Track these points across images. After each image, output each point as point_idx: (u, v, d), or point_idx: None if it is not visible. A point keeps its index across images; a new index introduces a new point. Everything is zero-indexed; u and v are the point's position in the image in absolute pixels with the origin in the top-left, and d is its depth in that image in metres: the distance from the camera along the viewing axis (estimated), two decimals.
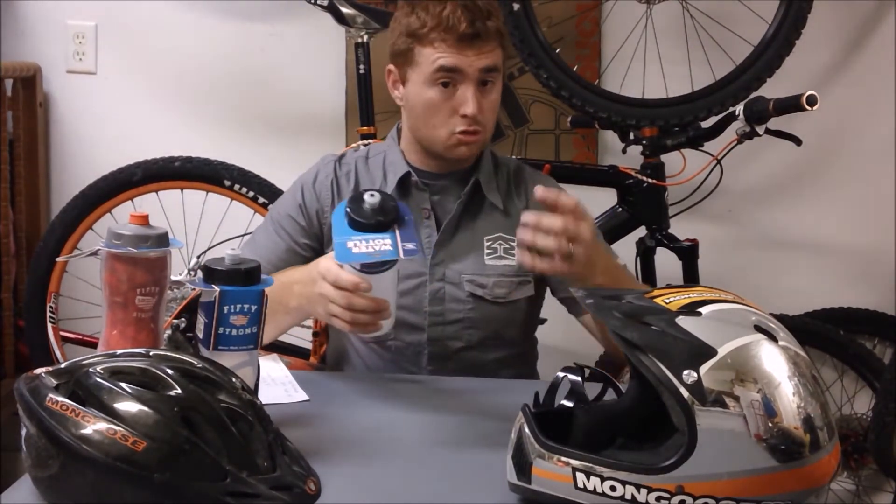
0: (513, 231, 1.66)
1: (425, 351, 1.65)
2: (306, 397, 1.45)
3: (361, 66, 2.23)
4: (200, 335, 1.21)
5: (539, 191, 1.37)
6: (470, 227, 1.68)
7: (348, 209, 1.35)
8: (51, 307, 2.25)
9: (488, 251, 1.67)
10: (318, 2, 2.19)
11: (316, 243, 1.71)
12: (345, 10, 2.19)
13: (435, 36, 1.59)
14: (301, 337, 2.26)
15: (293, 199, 1.73)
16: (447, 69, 1.59)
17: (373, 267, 1.34)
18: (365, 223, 1.33)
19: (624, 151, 2.25)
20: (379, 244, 1.32)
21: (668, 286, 1.16)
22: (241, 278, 1.21)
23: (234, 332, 1.20)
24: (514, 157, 2.12)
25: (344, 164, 1.73)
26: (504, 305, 1.65)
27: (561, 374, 1.18)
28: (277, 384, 1.49)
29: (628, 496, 0.99)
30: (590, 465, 1.01)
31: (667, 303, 1.06)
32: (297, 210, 1.71)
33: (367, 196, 1.35)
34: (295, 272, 1.55)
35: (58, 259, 2.23)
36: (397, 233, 1.34)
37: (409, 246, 1.33)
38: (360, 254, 1.31)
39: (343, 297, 1.34)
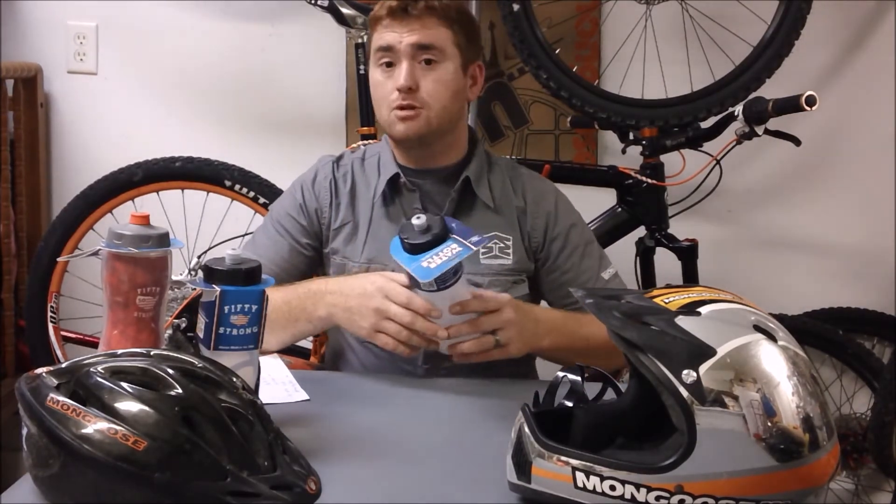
0: (507, 230, 1.68)
1: (420, 350, 1.65)
2: (306, 397, 1.45)
3: (361, 67, 2.23)
4: (201, 335, 1.22)
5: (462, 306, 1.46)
6: None
7: (403, 237, 1.41)
8: (52, 307, 2.25)
9: (483, 250, 1.68)
10: (319, 2, 2.19)
11: (316, 242, 1.72)
12: (345, 10, 2.19)
13: (376, 17, 1.65)
14: None
15: (293, 198, 1.74)
16: (384, 48, 1.64)
17: (445, 281, 1.41)
18: (423, 243, 1.40)
19: (623, 152, 2.26)
20: (448, 251, 1.39)
21: (668, 286, 1.17)
22: (242, 278, 1.21)
23: (234, 331, 1.20)
24: (512, 157, 2.13)
25: (341, 166, 1.75)
26: None
27: (561, 374, 1.18)
28: (278, 384, 1.49)
29: (628, 495, 1.00)
30: (589, 464, 1.01)
31: (666, 303, 1.06)
32: (297, 209, 1.72)
33: (414, 220, 1.42)
34: (329, 282, 1.58)
35: (59, 259, 2.23)
36: (455, 237, 1.41)
37: (474, 238, 1.42)
38: (440, 264, 1.38)
39: (410, 316, 1.43)
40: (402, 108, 1.63)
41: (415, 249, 1.40)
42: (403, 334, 1.44)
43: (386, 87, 1.64)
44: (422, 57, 1.63)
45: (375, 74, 1.66)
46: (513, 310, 1.50)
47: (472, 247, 1.40)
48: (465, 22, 1.69)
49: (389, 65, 1.64)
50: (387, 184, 1.69)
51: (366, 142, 2.14)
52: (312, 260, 1.73)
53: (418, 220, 1.41)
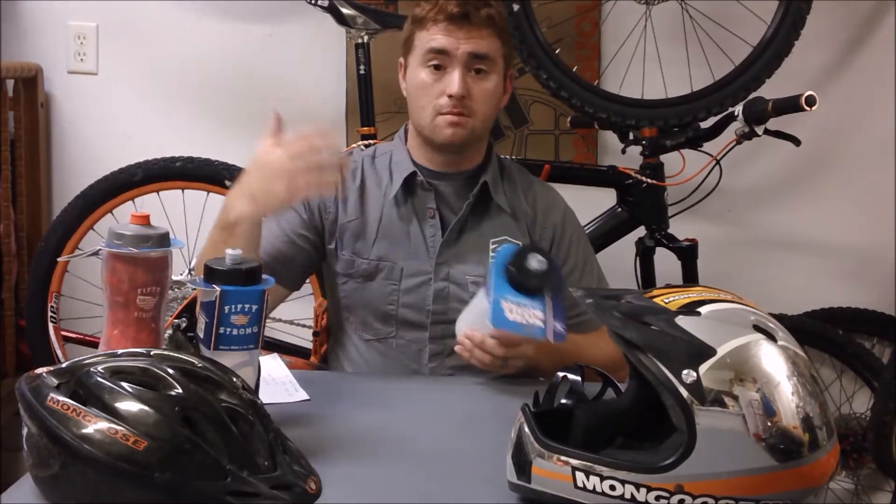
0: (518, 235, 1.69)
1: (426, 348, 1.66)
2: (307, 397, 1.45)
3: (362, 67, 2.23)
4: (201, 335, 1.22)
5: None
6: (476, 228, 1.70)
7: (512, 268, 1.40)
8: (52, 307, 2.25)
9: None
10: (319, 3, 2.19)
11: (317, 237, 1.72)
12: (345, 10, 2.19)
13: (429, 18, 1.64)
14: (301, 337, 2.27)
15: None
16: (436, 50, 1.63)
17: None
18: (523, 285, 1.40)
19: (623, 152, 2.26)
20: (530, 316, 1.38)
21: (668, 286, 1.17)
22: (242, 278, 1.21)
23: (234, 331, 1.20)
24: (512, 157, 2.13)
25: (350, 162, 1.74)
26: None
27: (561, 374, 1.18)
28: (278, 384, 1.49)
29: (628, 495, 1.00)
30: (589, 464, 1.02)
31: (666, 303, 1.06)
32: (300, 203, 1.72)
33: (533, 261, 1.41)
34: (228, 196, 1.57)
35: (59, 259, 2.23)
36: (549, 304, 1.40)
37: (559, 329, 1.39)
38: (512, 322, 1.37)
39: (306, 145, 1.50)
40: (451, 114, 1.63)
41: (513, 282, 1.39)
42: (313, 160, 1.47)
43: (433, 90, 1.64)
44: (474, 66, 1.64)
45: (421, 74, 1.66)
46: (532, 348, 1.50)
47: (551, 339, 1.38)
48: (507, 31, 1.71)
49: (438, 67, 1.64)
50: (402, 183, 1.69)
51: (367, 142, 2.14)
52: (309, 255, 1.72)
53: (538, 265, 1.40)
